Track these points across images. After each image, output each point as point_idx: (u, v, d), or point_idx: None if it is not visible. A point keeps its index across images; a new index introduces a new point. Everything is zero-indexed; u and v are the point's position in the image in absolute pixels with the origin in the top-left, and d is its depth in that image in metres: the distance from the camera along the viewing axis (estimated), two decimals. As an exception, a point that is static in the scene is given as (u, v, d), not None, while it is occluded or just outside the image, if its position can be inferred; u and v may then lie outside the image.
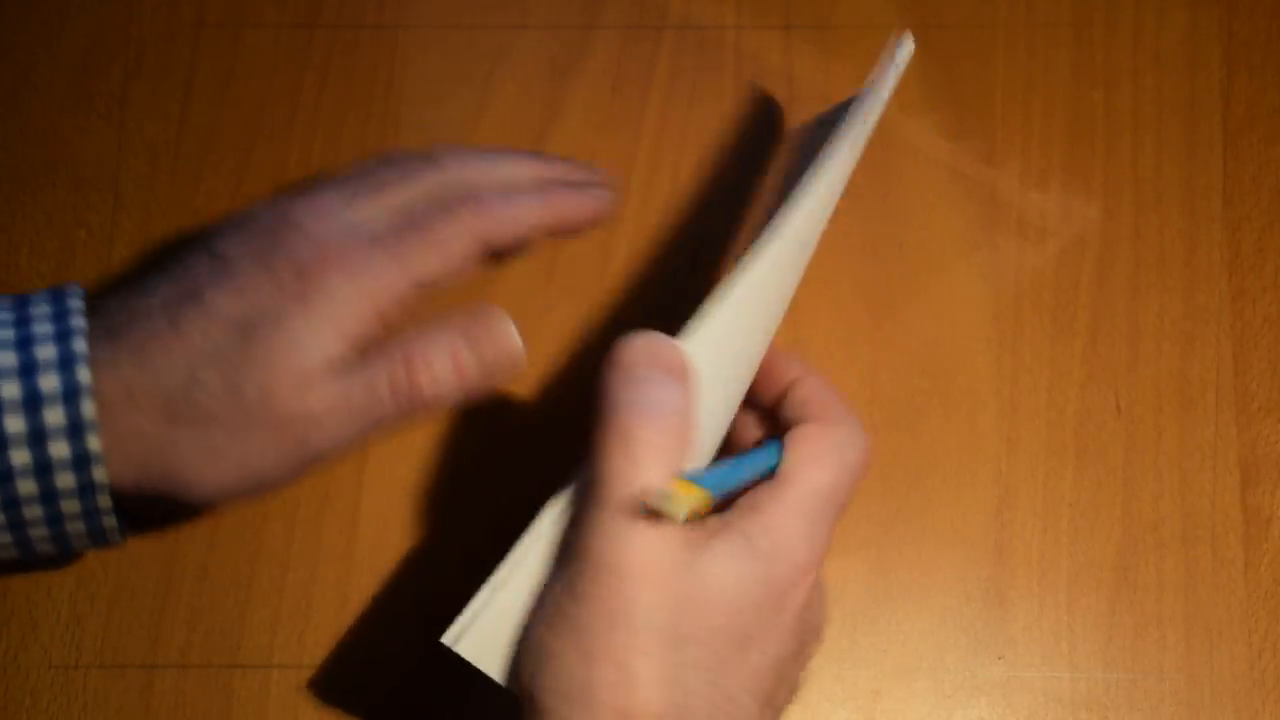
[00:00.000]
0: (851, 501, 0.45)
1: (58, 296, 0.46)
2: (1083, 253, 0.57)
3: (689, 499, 0.38)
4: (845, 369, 0.56)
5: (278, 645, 0.53)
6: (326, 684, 0.53)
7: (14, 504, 0.45)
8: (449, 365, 0.46)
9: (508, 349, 0.47)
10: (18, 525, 0.45)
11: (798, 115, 0.59)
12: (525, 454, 0.55)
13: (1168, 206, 0.58)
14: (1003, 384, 0.56)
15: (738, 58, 0.60)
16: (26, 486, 0.44)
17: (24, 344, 0.44)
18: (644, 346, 0.42)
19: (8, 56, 0.60)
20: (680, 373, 0.42)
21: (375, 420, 0.46)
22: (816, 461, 0.44)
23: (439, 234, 0.46)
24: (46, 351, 0.44)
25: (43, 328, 0.44)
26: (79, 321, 0.45)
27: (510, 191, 0.48)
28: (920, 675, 0.53)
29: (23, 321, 0.45)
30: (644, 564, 0.39)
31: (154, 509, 0.52)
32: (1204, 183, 0.58)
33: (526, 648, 0.41)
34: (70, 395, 0.44)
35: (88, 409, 0.44)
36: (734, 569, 0.41)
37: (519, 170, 0.50)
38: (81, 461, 0.44)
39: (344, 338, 0.45)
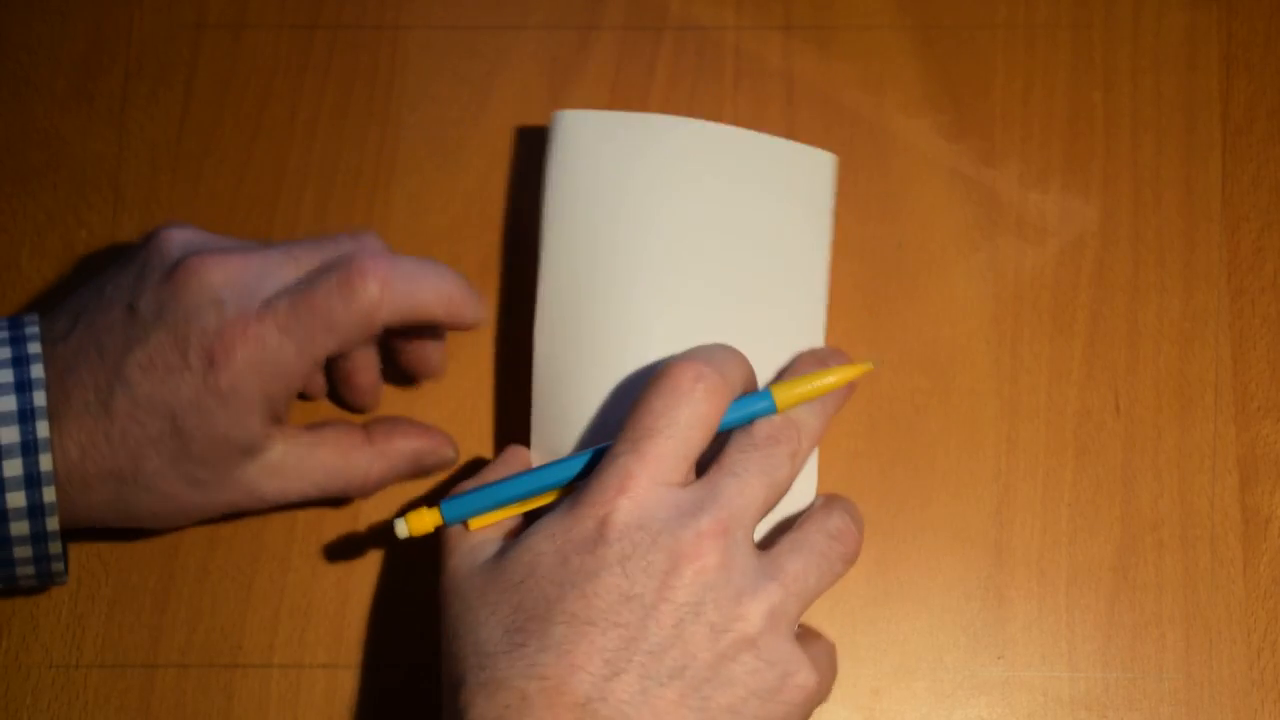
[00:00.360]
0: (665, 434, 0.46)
1: (16, 340, 0.47)
2: (1082, 253, 0.57)
3: (413, 522, 0.48)
4: (845, 369, 0.56)
5: (278, 645, 0.53)
6: (326, 684, 0.53)
7: None
8: (397, 479, 0.52)
9: (445, 466, 0.53)
10: None
11: (798, 114, 0.59)
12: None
13: (1167, 207, 0.58)
14: (1002, 384, 0.56)
15: (738, 58, 0.60)
16: None
17: None
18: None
19: (8, 56, 0.60)
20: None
21: (311, 501, 0.51)
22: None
23: (334, 314, 0.47)
24: (5, 404, 0.46)
25: (1, 375, 0.46)
26: (38, 371, 0.46)
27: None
28: (919, 675, 0.53)
29: None
30: (451, 572, 0.47)
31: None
32: (1203, 183, 0.58)
33: None
34: (28, 448, 0.46)
35: (45, 462, 0.46)
36: (533, 532, 0.46)
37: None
38: (36, 511, 0.47)
39: (264, 418, 0.48)
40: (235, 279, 0.47)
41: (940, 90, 0.59)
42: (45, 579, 0.49)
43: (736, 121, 0.59)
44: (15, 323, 0.48)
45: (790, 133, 0.58)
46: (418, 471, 0.53)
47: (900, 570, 0.54)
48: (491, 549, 0.47)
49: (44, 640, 0.53)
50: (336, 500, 0.53)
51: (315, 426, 0.51)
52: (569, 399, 0.51)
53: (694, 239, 0.52)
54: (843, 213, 0.58)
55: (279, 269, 0.48)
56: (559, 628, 0.43)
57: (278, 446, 0.49)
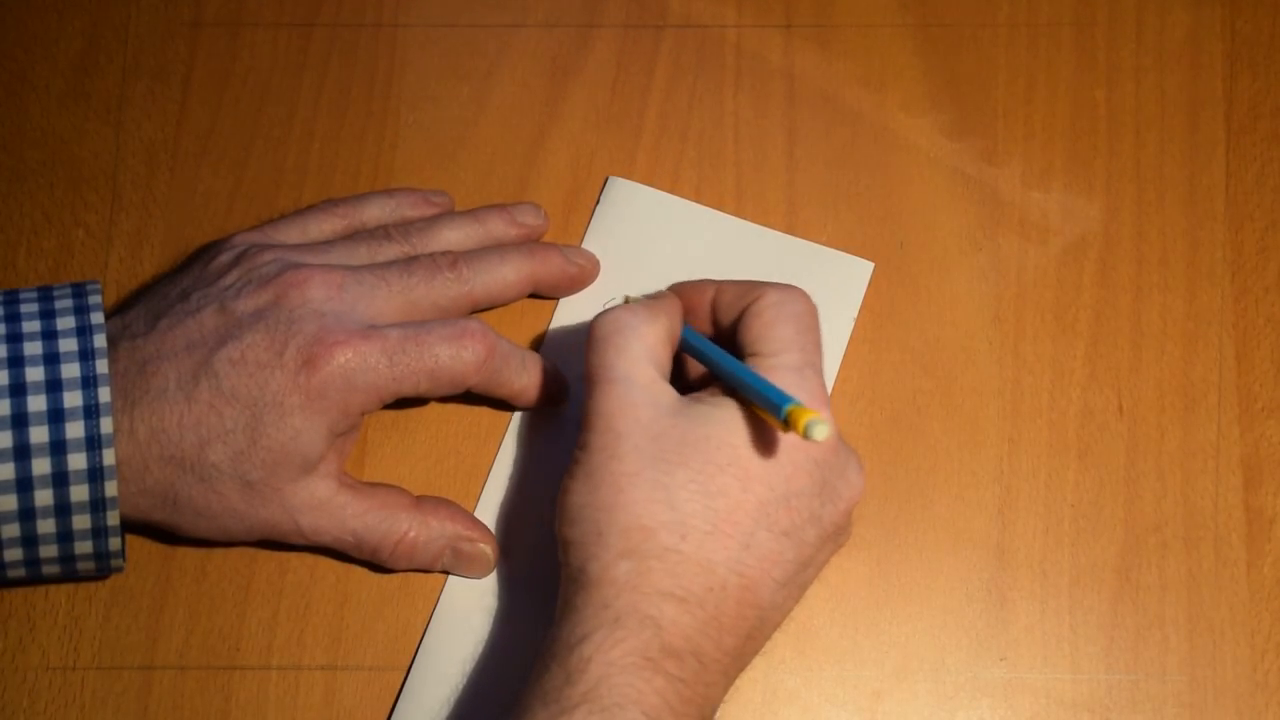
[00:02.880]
0: (818, 340, 0.49)
1: (83, 330, 0.49)
2: (1085, 252, 0.57)
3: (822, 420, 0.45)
4: (847, 369, 0.56)
5: (276, 646, 0.53)
6: (325, 685, 0.53)
7: (29, 515, 0.48)
8: (432, 560, 0.53)
9: (481, 563, 0.53)
10: (30, 541, 0.48)
11: (799, 114, 0.59)
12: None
13: (1170, 206, 0.58)
14: (1004, 384, 0.56)
15: (738, 57, 0.59)
16: (43, 498, 0.47)
17: (53, 384, 0.48)
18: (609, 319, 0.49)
19: (5, 56, 0.59)
20: (636, 321, 0.49)
21: (345, 551, 0.52)
22: (768, 325, 0.49)
23: (438, 362, 0.50)
24: (72, 377, 0.48)
25: (70, 370, 0.48)
26: (103, 367, 0.48)
27: (506, 282, 0.53)
28: (922, 677, 0.53)
29: (51, 352, 0.48)
30: (631, 412, 0.47)
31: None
32: (1206, 182, 0.58)
33: (556, 499, 0.48)
34: (90, 411, 0.48)
35: (105, 426, 0.48)
36: (720, 415, 0.47)
37: (506, 237, 0.56)
38: (95, 474, 0.48)
39: (330, 434, 0.50)
40: (335, 296, 0.50)
41: (942, 89, 0.59)
42: (103, 558, 0.49)
43: (737, 120, 0.59)
44: (79, 291, 0.50)
45: (790, 131, 0.58)
46: (452, 559, 0.53)
47: (902, 572, 0.54)
48: (664, 401, 0.48)
49: (41, 642, 0.53)
50: (369, 561, 0.53)
51: (370, 484, 0.53)
52: (536, 451, 0.55)
53: None
54: (844, 212, 0.58)
55: (373, 292, 0.51)
56: (748, 521, 0.47)
57: (329, 483, 0.51)
